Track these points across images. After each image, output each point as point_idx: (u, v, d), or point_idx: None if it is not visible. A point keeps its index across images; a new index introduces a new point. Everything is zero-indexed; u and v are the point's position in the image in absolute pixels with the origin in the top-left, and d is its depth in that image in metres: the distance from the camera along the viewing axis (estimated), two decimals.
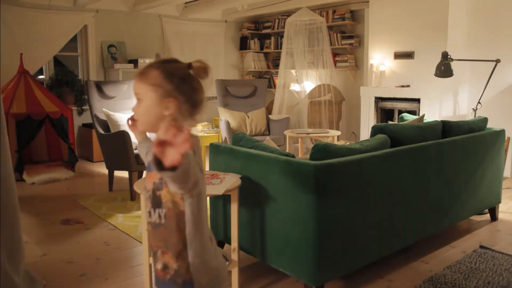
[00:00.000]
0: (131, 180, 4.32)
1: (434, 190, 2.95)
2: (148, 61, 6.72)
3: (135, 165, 4.34)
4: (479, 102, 4.33)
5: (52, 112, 5.26)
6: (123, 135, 4.28)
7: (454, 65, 4.94)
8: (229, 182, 2.34)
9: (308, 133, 5.16)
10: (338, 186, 2.29)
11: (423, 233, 2.93)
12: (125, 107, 5.01)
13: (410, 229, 2.81)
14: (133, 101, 5.60)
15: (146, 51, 7.15)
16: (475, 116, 4.32)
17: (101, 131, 4.60)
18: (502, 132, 3.56)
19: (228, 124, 5.59)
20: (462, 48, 5.43)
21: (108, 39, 6.79)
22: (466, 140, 3.18)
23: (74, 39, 6.55)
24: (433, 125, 3.12)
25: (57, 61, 6.65)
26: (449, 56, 4.19)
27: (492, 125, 5.09)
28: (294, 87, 7.49)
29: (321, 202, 2.21)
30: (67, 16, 6.29)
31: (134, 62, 6.73)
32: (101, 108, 4.77)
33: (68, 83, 6.40)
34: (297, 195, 2.26)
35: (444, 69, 4.17)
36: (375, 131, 2.88)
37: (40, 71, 6.48)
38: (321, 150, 2.36)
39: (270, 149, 2.58)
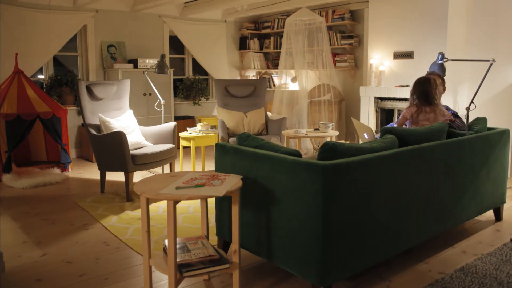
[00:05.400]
0: (127, 181, 4.31)
1: (440, 190, 2.95)
2: (148, 61, 6.72)
3: (131, 166, 4.33)
4: (472, 102, 4.34)
5: (43, 112, 5.21)
6: (120, 136, 4.26)
7: (453, 65, 4.95)
8: (230, 183, 2.34)
9: (305, 134, 5.17)
10: (346, 186, 2.29)
11: (428, 234, 2.93)
12: (113, 108, 4.98)
13: (416, 229, 2.81)
14: (121, 102, 5.58)
15: (145, 51, 7.15)
16: (468, 115, 4.32)
17: (94, 132, 4.58)
18: (507, 132, 3.56)
19: (223, 123, 5.59)
20: (462, 48, 5.44)
21: (108, 39, 6.79)
22: (471, 140, 3.18)
23: (73, 39, 6.55)
24: (442, 127, 3.11)
25: (56, 61, 6.64)
26: (444, 57, 4.21)
27: (492, 124, 5.11)
28: (294, 87, 7.49)
29: (329, 202, 2.21)
30: (67, 16, 6.28)
31: (134, 62, 6.73)
32: (92, 109, 4.73)
33: (67, 83, 6.40)
34: (305, 195, 2.26)
35: (437, 69, 4.19)
36: (383, 133, 2.87)
37: (40, 71, 6.47)
38: (329, 150, 2.35)
39: (276, 148, 2.57)
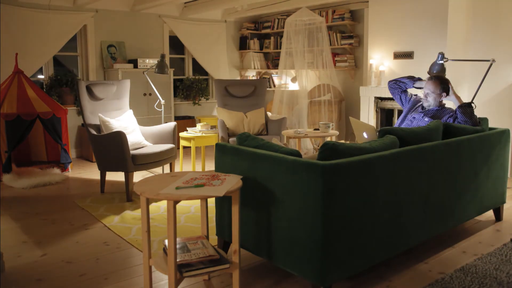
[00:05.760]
0: (127, 181, 4.30)
1: (440, 190, 2.95)
2: (148, 61, 6.72)
3: (131, 166, 4.33)
4: (472, 102, 4.34)
5: (43, 112, 5.20)
6: (120, 136, 4.25)
7: (453, 65, 4.95)
8: (230, 183, 2.34)
9: (305, 134, 5.17)
10: (347, 186, 2.29)
11: (428, 234, 2.93)
12: (113, 108, 4.97)
13: (416, 229, 2.81)
14: (121, 102, 5.54)
15: (145, 51, 7.15)
16: None
17: (94, 132, 4.57)
18: (507, 132, 3.55)
19: (223, 123, 5.59)
20: (462, 48, 5.44)
21: (108, 39, 6.79)
22: (472, 140, 3.18)
23: (73, 39, 6.55)
24: (437, 125, 3.12)
25: (56, 61, 6.65)
26: (444, 57, 4.21)
27: (492, 124, 5.11)
28: (294, 87, 7.49)
29: (329, 201, 2.21)
30: (67, 16, 6.28)
31: (134, 62, 6.73)
32: (92, 109, 4.73)
33: (67, 83, 6.40)
34: (305, 195, 2.26)
35: (437, 69, 4.20)
36: (382, 134, 2.87)
37: (40, 71, 6.47)
38: (329, 150, 2.35)
39: (276, 148, 2.57)
